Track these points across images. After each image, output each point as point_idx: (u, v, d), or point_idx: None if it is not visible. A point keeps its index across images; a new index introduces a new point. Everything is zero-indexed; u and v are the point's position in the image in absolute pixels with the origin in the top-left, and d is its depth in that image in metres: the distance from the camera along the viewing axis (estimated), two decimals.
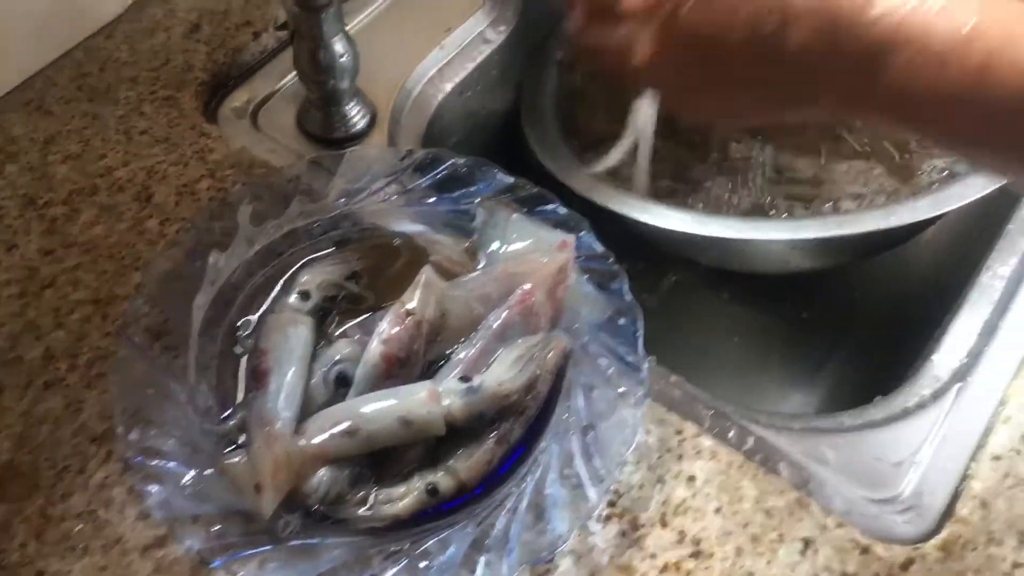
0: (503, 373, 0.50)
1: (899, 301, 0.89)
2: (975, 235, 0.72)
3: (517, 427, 0.50)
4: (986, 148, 0.38)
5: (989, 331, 0.59)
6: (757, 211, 0.74)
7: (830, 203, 0.72)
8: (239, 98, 0.70)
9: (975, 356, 0.58)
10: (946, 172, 0.71)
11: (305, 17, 0.61)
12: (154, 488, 0.45)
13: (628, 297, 0.53)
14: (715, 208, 0.75)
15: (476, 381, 0.49)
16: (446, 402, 0.48)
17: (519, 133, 0.83)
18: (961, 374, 0.58)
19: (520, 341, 0.51)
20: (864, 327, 0.89)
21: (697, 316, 0.90)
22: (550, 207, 0.58)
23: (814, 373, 0.88)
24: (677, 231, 0.72)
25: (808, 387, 0.88)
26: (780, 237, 0.70)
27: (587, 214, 0.74)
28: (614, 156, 0.74)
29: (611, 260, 0.55)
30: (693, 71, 0.42)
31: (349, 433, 0.48)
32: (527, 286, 0.52)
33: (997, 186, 0.68)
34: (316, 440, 0.47)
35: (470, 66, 0.78)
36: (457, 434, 0.49)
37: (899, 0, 0.37)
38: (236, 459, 0.48)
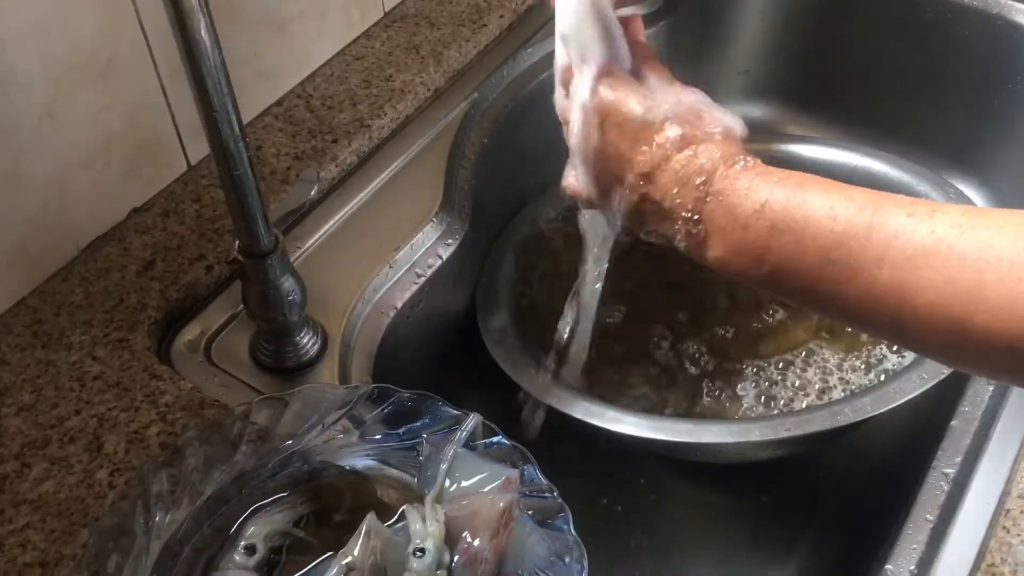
0: None
1: (860, 481, 0.89)
2: (922, 423, 0.74)
3: None
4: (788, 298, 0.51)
5: (937, 539, 0.60)
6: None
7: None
8: (192, 331, 0.71)
9: (924, 566, 0.59)
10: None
11: (251, 263, 0.64)
12: None
13: (572, 535, 0.54)
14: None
15: None
16: None
17: (477, 329, 0.84)
18: None
19: None
20: (829, 509, 0.89)
21: (656, 504, 0.90)
22: (495, 440, 0.59)
23: (784, 558, 0.87)
24: (626, 434, 0.73)
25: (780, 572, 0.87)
26: (727, 440, 0.72)
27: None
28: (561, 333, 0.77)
29: (555, 494, 0.56)
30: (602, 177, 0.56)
31: None
32: (470, 540, 0.52)
33: (937, 381, 0.70)
34: None
35: (421, 280, 0.79)
36: None
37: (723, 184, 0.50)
38: None
